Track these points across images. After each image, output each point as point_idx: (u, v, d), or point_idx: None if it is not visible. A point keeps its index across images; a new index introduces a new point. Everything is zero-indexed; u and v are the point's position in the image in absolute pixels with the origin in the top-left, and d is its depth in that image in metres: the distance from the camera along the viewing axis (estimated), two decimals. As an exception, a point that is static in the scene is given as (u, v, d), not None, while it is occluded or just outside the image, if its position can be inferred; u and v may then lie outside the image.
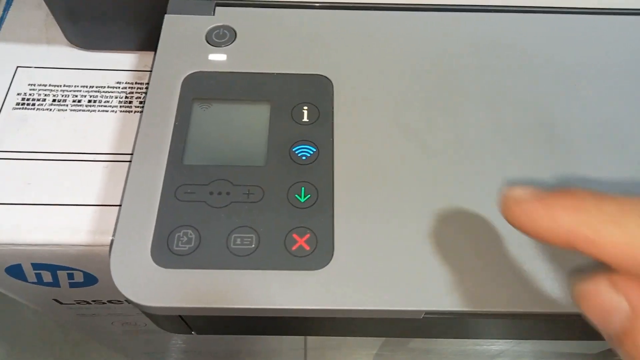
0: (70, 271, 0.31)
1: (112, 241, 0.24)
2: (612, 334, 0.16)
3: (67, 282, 0.32)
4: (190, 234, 0.22)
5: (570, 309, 0.20)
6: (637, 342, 0.15)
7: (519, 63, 0.27)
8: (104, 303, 0.36)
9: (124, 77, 0.32)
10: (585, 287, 0.16)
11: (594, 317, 0.16)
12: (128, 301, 0.21)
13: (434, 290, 0.21)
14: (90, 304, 0.37)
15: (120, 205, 0.23)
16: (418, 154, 0.24)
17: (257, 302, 0.20)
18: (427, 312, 0.21)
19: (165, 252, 0.21)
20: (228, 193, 0.23)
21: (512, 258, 0.21)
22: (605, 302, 0.16)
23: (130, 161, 0.25)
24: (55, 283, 0.32)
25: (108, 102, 0.31)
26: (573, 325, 0.23)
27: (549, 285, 0.21)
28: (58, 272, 0.31)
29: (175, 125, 0.24)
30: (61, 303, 0.37)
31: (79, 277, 0.32)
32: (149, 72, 0.32)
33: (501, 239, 0.22)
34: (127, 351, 0.56)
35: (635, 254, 0.15)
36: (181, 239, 0.22)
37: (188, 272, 0.21)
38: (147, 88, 0.30)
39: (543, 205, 0.17)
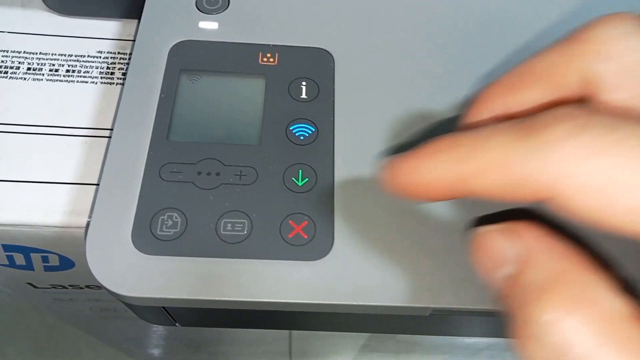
0: (44, 254, 0.29)
1: (88, 223, 0.22)
2: (501, 287, 0.14)
3: (41, 265, 0.30)
4: (176, 218, 0.20)
5: None
6: (523, 291, 0.13)
7: (527, 38, 0.25)
8: (81, 288, 0.34)
9: (106, 46, 0.29)
10: (474, 237, 0.15)
11: (484, 270, 0.15)
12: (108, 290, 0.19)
13: (442, 285, 0.19)
14: (67, 288, 0.35)
15: (98, 185, 0.21)
16: (425, 134, 0.22)
17: (248, 295, 0.19)
18: (434, 310, 0.19)
19: (148, 237, 0.19)
20: (218, 174, 0.21)
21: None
22: (493, 249, 0.15)
23: (110, 137, 0.23)
24: (29, 266, 0.30)
25: (88, 72, 0.28)
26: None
27: None
28: (31, 254, 0.29)
29: (160, 98, 0.22)
30: (36, 287, 0.35)
31: (54, 261, 0.29)
32: (133, 42, 0.29)
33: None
34: (107, 337, 0.54)
35: (506, 175, 0.13)
36: (165, 222, 0.20)
37: (172, 259, 0.19)
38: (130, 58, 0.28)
39: (411, 163, 0.15)
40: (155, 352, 0.64)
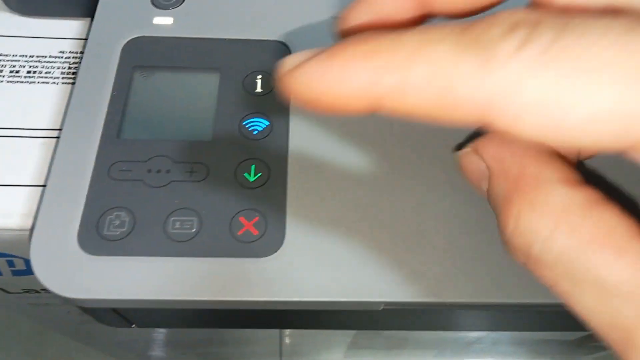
0: (9, 258, 0.28)
1: (32, 224, 0.22)
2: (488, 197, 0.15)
3: (8, 269, 0.30)
4: (124, 217, 0.19)
5: (538, 299, 0.18)
6: (494, 204, 0.15)
7: None
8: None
9: (68, 45, 0.29)
10: (458, 158, 0.16)
11: (473, 186, 0.16)
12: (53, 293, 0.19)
13: (394, 279, 0.18)
14: (40, 292, 0.34)
15: (44, 186, 0.20)
16: (382, 128, 0.21)
17: (197, 294, 0.18)
18: (386, 304, 0.18)
19: (94, 237, 0.19)
20: (168, 171, 0.20)
21: (479, 245, 0.19)
22: (472, 167, 0.16)
23: (58, 137, 0.23)
24: (-4, 271, 0.30)
25: (49, 72, 0.28)
26: (544, 316, 0.21)
27: (516, 274, 0.19)
28: (-4, 258, 0.28)
29: (112, 96, 0.22)
30: (8, 292, 0.35)
31: (20, 265, 0.29)
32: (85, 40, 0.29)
33: (469, 224, 0.19)
34: (94, 342, 0.54)
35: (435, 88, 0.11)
36: (113, 222, 0.19)
37: (119, 259, 0.19)
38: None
39: (326, 63, 0.12)
40: (149, 354, 0.64)
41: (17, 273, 0.30)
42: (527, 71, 0.11)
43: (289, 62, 0.14)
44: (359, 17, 0.15)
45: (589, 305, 0.12)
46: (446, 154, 0.21)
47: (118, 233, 0.19)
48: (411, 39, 0.12)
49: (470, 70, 0.11)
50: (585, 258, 0.12)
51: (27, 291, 0.34)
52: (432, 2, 0.15)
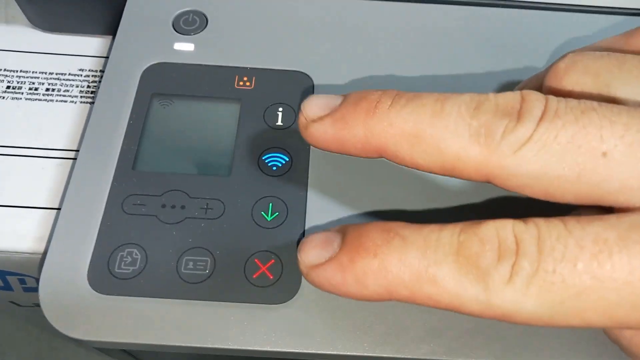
0: (21, 277, 0.28)
1: (42, 260, 0.21)
2: None
3: (19, 286, 0.29)
4: (136, 254, 0.19)
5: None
6: None
7: (512, 60, 0.23)
8: (64, 308, 0.34)
9: (88, 63, 0.28)
10: None
11: None
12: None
13: (414, 335, 0.17)
14: (51, 308, 0.34)
15: (58, 209, 0.20)
16: (406, 172, 0.21)
17: (208, 342, 0.17)
18: (406, 360, 0.18)
19: (105, 275, 0.18)
20: (183, 207, 0.20)
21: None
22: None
23: (75, 158, 0.22)
24: (7, 287, 0.30)
25: (68, 91, 0.27)
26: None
27: (545, 334, 0.18)
28: (7, 277, 0.28)
29: (129, 124, 0.21)
30: (20, 305, 0.34)
31: (31, 283, 0.29)
32: (106, 59, 0.28)
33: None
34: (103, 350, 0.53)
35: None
36: (124, 259, 0.19)
37: (130, 300, 0.18)
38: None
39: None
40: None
41: (28, 290, 0.30)
42: (519, 297, 0.13)
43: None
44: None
45: None
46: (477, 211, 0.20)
47: (129, 271, 0.18)
48: (414, 260, 0.14)
49: (475, 296, 0.13)
50: None
51: (38, 305, 0.34)
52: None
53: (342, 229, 0.16)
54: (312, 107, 0.16)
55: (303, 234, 0.19)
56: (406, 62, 0.23)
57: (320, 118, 0.16)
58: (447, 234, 0.14)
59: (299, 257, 0.16)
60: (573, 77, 0.16)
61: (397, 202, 0.20)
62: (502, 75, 0.23)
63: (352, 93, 0.16)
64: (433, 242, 0.14)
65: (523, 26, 0.24)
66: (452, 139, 0.14)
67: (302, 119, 0.17)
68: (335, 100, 0.16)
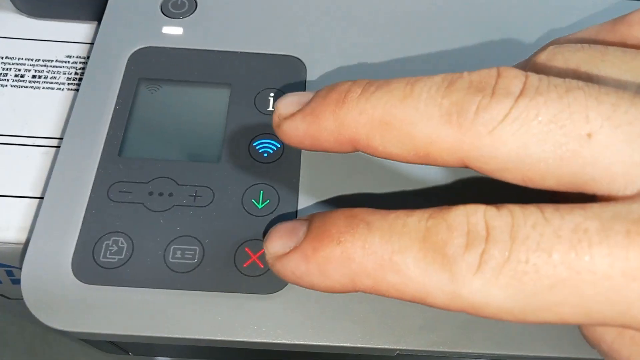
0: (7, 268, 0.27)
1: (24, 249, 0.20)
2: None
3: (7, 278, 0.29)
4: (122, 243, 0.18)
5: (557, 353, 0.17)
6: None
7: (512, 43, 0.23)
8: (53, 300, 0.33)
9: (76, 50, 0.28)
10: None
11: None
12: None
13: (409, 325, 0.17)
14: (40, 300, 0.33)
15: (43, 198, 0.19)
16: (401, 167, 0.20)
17: (196, 332, 0.17)
18: (400, 351, 0.17)
19: (90, 265, 0.18)
20: (171, 194, 0.19)
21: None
22: None
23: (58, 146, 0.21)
24: (-6, 279, 0.29)
25: (55, 78, 0.27)
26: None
27: (535, 327, 0.17)
28: (-6, 268, 0.27)
29: (115, 110, 0.20)
30: (9, 298, 0.34)
31: (18, 274, 0.28)
32: (91, 45, 0.28)
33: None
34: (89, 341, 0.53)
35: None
36: (110, 248, 0.18)
37: (115, 289, 0.17)
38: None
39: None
40: (150, 358, 0.63)
41: (16, 282, 0.29)
42: (488, 288, 0.12)
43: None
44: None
45: None
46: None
47: (115, 260, 0.18)
48: (377, 247, 0.13)
49: (441, 285, 0.12)
50: None
51: (27, 299, 0.33)
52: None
53: (310, 218, 0.15)
54: (285, 104, 0.16)
55: (295, 222, 0.19)
56: (400, 45, 0.23)
57: (292, 114, 0.16)
58: (415, 220, 0.13)
59: (264, 247, 0.15)
60: (553, 70, 0.15)
61: (390, 188, 0.19)
62: (500, 61, 0.23)
63: (324, 87, 0.16)
64: (399, 229, 0.13)
65: (521, 9, 0.24)
66: (423, 122, 0.13)
67: (275, 118, 0.16)
68: (308, 96, 0.16)
